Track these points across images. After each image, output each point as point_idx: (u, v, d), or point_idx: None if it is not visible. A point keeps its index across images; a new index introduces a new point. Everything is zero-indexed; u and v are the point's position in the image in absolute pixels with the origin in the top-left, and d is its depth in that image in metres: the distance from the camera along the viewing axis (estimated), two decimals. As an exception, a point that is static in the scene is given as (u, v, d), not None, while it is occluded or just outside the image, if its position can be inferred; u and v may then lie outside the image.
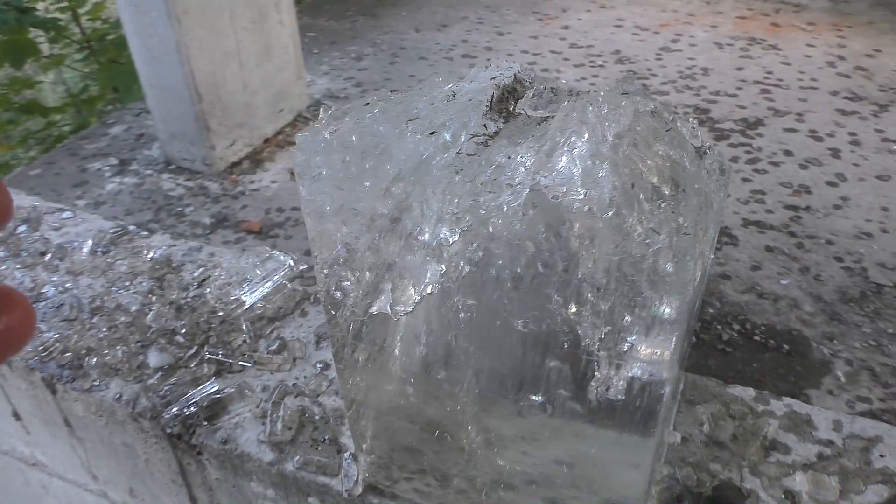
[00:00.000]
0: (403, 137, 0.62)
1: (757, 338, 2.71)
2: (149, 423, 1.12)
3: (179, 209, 3.21)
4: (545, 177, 0.57)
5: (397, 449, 1.00)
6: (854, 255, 2.87)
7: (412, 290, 0.70)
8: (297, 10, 3.55)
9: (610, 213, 0.56)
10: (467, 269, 0.65)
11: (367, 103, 0.67)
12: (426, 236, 0.66)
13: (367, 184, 0.65)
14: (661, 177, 0.63)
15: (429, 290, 0.69)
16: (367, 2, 4.85)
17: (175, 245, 1.41)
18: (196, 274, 1.31)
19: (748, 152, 3.42)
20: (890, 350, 2.50)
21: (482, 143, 0.62)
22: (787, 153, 3.39)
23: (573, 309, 0.64)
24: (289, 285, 1.27)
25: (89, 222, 1.48)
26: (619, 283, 0.59)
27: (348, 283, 0.76)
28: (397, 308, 0.74)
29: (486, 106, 0.64)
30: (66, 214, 1.49)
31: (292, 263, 1.28)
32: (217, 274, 1.25)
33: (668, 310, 0.60)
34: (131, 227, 1.41)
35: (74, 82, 5.61)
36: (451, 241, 0.64)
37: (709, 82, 3.94)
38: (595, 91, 0.66)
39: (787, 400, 1.04)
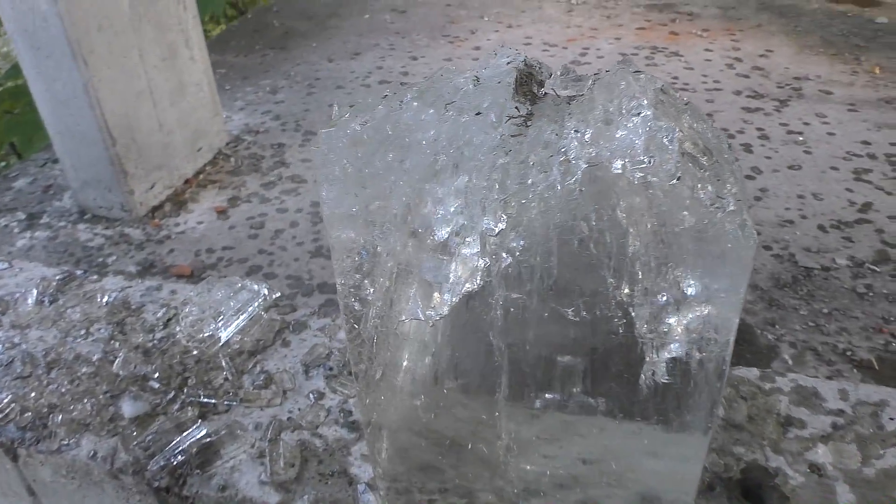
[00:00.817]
0: (445, 122, 0.58)
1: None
2: (131, 479, 1.02)
3: (101, 259, 3.03)
4: (605, 148, 0.54)
5: (415, 469, 0.94)
6: (781, 243, 3.00)
7: (441, 294, 0.65)
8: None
9: (675, 181, 0.54)
10: (509, 260, 0.61)
11: (386, 95, 0.62)
12: (446, 232, 0.62)
13: (395, 179, 0.60)
14: (696, 146, 0.62)
15: (470, 287, 0.65)
16: (275, 35, 4.78)
17: (130, 286, 1.31)
18: (160, 314, 1.21)
19: (669, 154, 3.54)
20: (828, 329, 2.61)
21: (521, 124, 0.59)
22: (705, 152, 3.54)
23: (626, 290, 0.61)
24: (265, 315, 1.19)
25: (29, 271, 1.35)
26: (675, 256, 0.57)
27: (370, 291, 0.71)
28: (429, 313, 0.69)
29: (513, 88, 0.61)
30: (2, 266, 1.36)
31: (266, 292, 1.21)
32: (187, 311, 1.16)
33: (727, 281, 0.58)
34: (78, 272, 1.29)
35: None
36: (496, 230, 0.60)
37: (622, 91, 4.06)
38: (613, 71, 0.64)
39: (792, 375, 1.05)
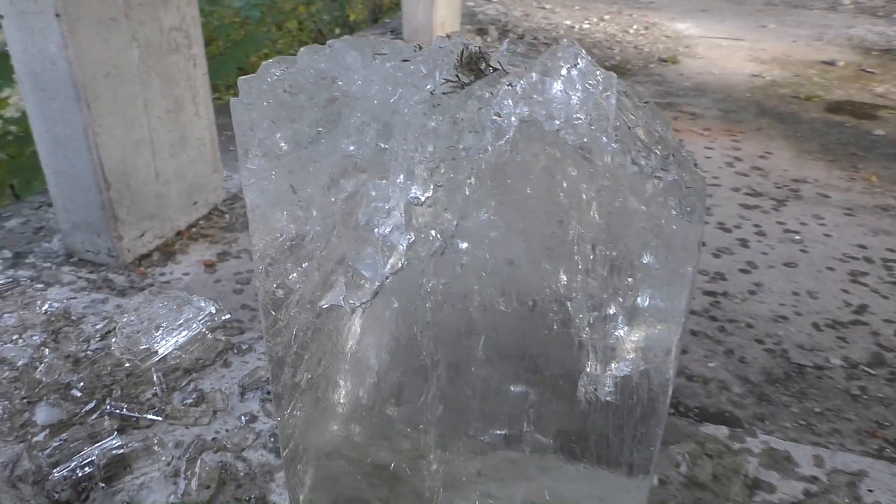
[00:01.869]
0: (369, 69, 0.54)
1: (691, 419, 2.67)
2: (30, 490, 0.92)
3: (77, 301, 2.95)
4: (537, 104, 0.50)
5: (341, 501, 0.84)
6: (774, 338, 2.94)
7: (368, 283, 0.60)
8: (214, 107, 3.52)
9: (615, 145, 0.49)
10: (440, 241, 0.56)
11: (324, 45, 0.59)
12: (386, 219, 0.57)
13: (323, 147, 0.56)
14: (650, 138, 0.57)
15: (398, 266, 0.59)
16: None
17: (76, 297, 1.25)
18: (99, 326, 1.15)
19: (664, 243, 3.53)
20: (820, 429, 2.51)
21: (457, 87, 0.55)
22: (700, 244, 3.52)
23: (564, 280, 0.55)
24: (210, 335, 1.12)
25: (-28, 277, 1.30)
26: (617, 245, 0.51)
27: (294, 276, 0.65)
28: (352, 302, 0.63)
29: (457, 59, 0.58)
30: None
31: (213, 311, 1.14)
32: (125, 320, 1.10)
33: (674, 278, 0.52)
34: (23, 280, 1.24)
35: (-36, 181, 5.30)
36: (422, 199, 0.54)
37: (621, 180, 4.09)
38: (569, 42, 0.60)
39: (764, 437, 0.97)
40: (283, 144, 0.59)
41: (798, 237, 3.64)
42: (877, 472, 0.90)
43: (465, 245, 0.60)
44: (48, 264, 3.25)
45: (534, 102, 0.52)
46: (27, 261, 3.30)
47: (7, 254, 3.34)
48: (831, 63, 6.18)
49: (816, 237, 3.62)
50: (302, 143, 0.58)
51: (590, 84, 0.51)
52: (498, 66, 0.59)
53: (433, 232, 0.57)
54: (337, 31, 6.63)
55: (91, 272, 3.19)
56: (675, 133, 4.73)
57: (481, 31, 6.50)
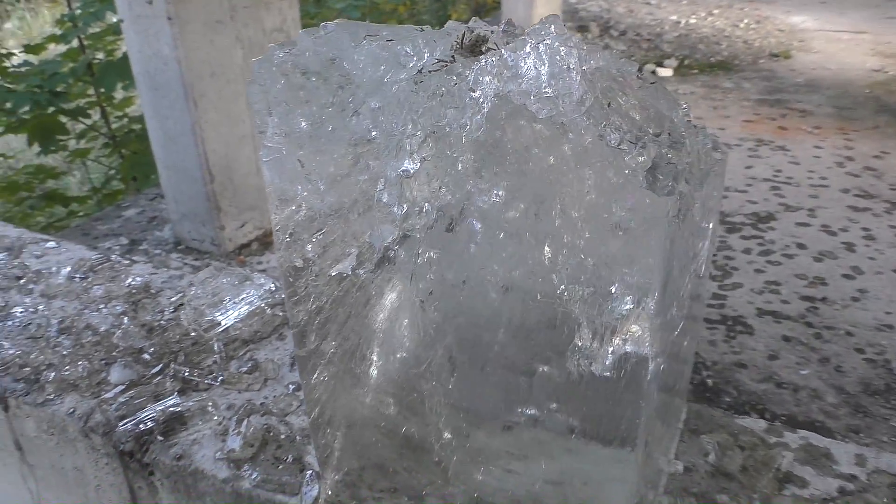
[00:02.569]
0: (360, 50, 0.58)
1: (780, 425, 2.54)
2: (100, 440, 1.03)
3: (181, 285, 3.16)
4: (510, 80, 0.52)
5: (369, 467, 0.89)
6: (876, 347, 2.76)
7: (375, 251, 0.64)
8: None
9: (582, 112, 0.50)
10: (434, 215, 0.59)
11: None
12: (387, 189, 0.61)
13: (331, 127, 0.60)
14: (646, 116, 0.58)
15: (392, 238, 0.63)
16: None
17: (156, 273, 1.37)
18: (174, 299, 1.26)
19: (760, 244, 3.38)
20: (920, 445, 2.35)
21: (445, 65, 0.58)
22: (801, 246, 3.34)
23: (548, 252, 0.57)
24: (268, 310, 1.20)
25: (72, 251, 1.45)
26: (594, 219, 0.53)
27: (310, 247, 0.70)
28: (360, 271, 0.67)
29: (457, 42, 0.61)
30: (50, 244, 1.46)
31: (273, 288, 1.23)
32: (193, 293, 1.20)
33: (644, 254, 0.53)
34: (114, 257, 1.37)
35: (97, 176, 5.76)
36: (411, 171, 0.58)
37: (718, 179, 3.94)
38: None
39: (803, 432, 0.94)
40: (303, 123, 0.64)
41: (912, 243, 3.39)
42: (923, 475, 0.86)
43: (479, 225, 0.63)
44: (158, 251, 3.50)
45: (507, 78, 0.54)
46: (141, 247, 3.56)
47: (124, 241, 3.63)
48: (966, 57, 5.69)
49: (934, 243, 3.35)
50: (316, 121, 0.63)
51: (557, 57, 0.52)
52: (494, 47, 0.61)
53: (426, 205, 0.61)
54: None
55: (196, 259, 3.40)
56: (780, 131, 4.50)
57: (582, 29, 6.42)
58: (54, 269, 1.34)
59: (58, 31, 4.65)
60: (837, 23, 6.79)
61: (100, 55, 4.63)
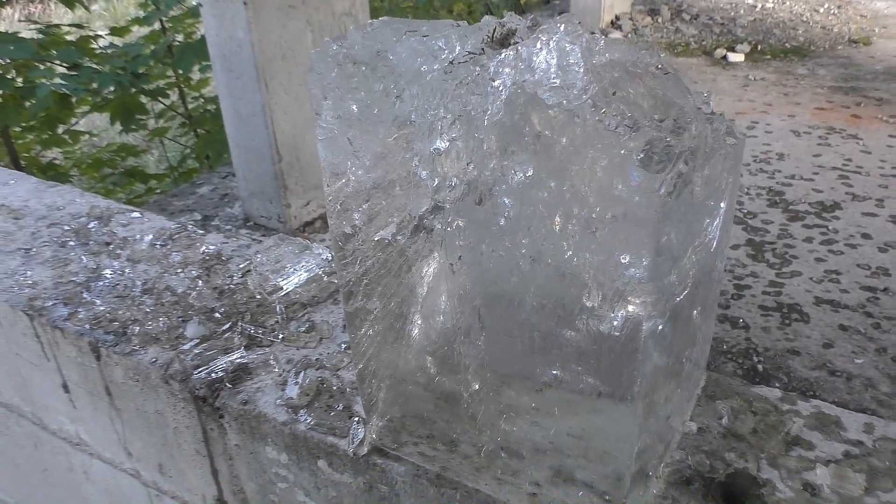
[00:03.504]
0: (401, 44, 0.68)
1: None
2: (178, 386, 1.17)
3: (250, 258, 3.33)
4: (524, 71, 0.61)
5: (409, 416, 1.00)
6: (939, 337, 2.70)
7: (412, 220, 0.73)
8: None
9: (583, 102, 0.58)
10: (462, 188, 0.68)
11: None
12: (422, 165, 0.70)
13: (377, 111, 0.70)
14: (653, 104, 0.65)
15: (426, 208, 0.72)
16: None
17: (227, 243, 1.50)
18: (242, 266, 1.39)
19: (823, 234, 3.33)
20: (977, 438, 2.31)
21: (474, 56, 0.67)
22: (866, 236, 3.28)
23: (559, 221, 0.65)
24: (325, 278, 1.32)
25: (153, 221, 1.60)
26: (597, 194, 0.61)
27: (357, 215, 0.80)
28: (399, 238, 0.77)
29: (488, 36, 0.69)
30: (135, 215, 1.62)
31: (329, 257, 1.34)
32: (258, 259, 1.33)
33: (640, 227, 0.60)
34: (190, 226, 1.51)
35: (173, 155, 6.05)
36: (441, 149, 0.67)
37: (784, 167, 3.88)
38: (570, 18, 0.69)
39: (816, 401, 0.99)
40: (353, 107, 0.74)
41: None
42: (931, 446, 0.90)
43: (507, 200, 0.72)
44: (229, 227, 3.68)
45: (522, 70, 0.62)
46: (213, 223, 3.75)
47: (197, 216, 3.83)
48: None
49: None
50: (364, 105, 0.73)
51: (565, 52, 0.60)
52: (519, 40, 0.70)
53: (454, 179, 0.70)
54: (505, 12, 6.74)
55: (263, 235, 3.57)
56: (853, 119, 4.37)
57: (653, 12, 6.33)
58: (138, 236, 1.49)
59: (141, 14, 4.89)
60: (924, 7, 6.49)
61: (179, 37, 4.85)
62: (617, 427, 0.82)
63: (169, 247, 1.45)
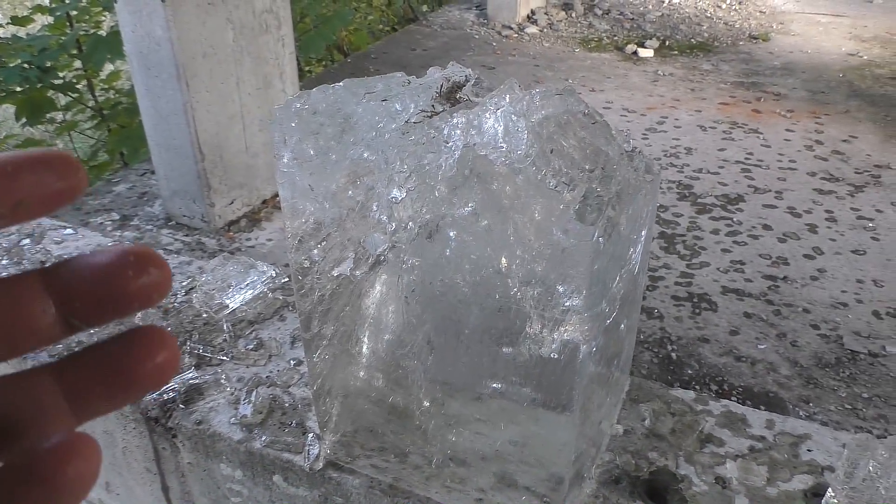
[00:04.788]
0: (360, 104, 0.74)
1: (734, 399, 2.75)
2: (129, 408, 1.20)
3: (176, 259, 3.29)
4: (475, 135, 0.68)
5: (361, 430, 1.07)
6: (830, 324, 2.94)
7: (370, 257, 0.79)
8: (300, 82, 3.75)
9: (526, 164, 0.66)
10: (416, 230, 0.75)
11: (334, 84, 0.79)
12: (381, 210, 0.77)
13: (333, 157, 0.76)
14: (584, 155, 0.73)
15: (384, 248, 0.79)
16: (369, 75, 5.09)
17: (168, 259, 1.52)
18: (185, 283, 1.41)
19: (728, 225, 3.55)
20: (865, 414, 2.55)
21: (428, 116, 0.73)
22: (766, 227, 3.52)
23: (504, 262, 0.73)
24: (270, 294, 1.36)
25: (89, 238, 1.59)
26: (537, 239, 0.69)
27: (316, 252, 0.86)
28: (356, 272, 0.83)
29: (437, 92, 0.76)
30: (68, 231, 1.61)
31: (274, 275, 1.38)
32: (204, 279, 1.35)
33: (576, 266, 0.69)
34: (128, 244, 1.51)
35: (83, 149, 5.82)
36: (399, 199, 0.74)
37: (692, 161, 4.11)
38: (533, 88, 0.77)
39: (725, 401, 1.12)
40: (310, 151, 0.79)
41: (871, 224, 3.57)
42: (819, 436, 1.03)
43: (452, 233, 0.79)
44: (150, 227, 3.60)
45: (472, 134, 0.69)
46: (132, 223, 3.67)
47: (115, 216, 3.72)
48: (938, 41, 5.85)
49: (892, 225, 3.53)
50: (319, 150, 0.78)
51: (510, 121, 0.68)
52: (466, 97, 0.77)
53: (410, 223, 0.76)
54: (424, 6, 6.80)
55: (186, 235, 3.52)
56: (754, 114, 4.65)
57: (567, 7, 6.51)
58: (75, 254, 1.48)
59: (45, 2, 4.68)
60: (818, 5, 6.91)
61: (85, 26, 4.67)
62: (557, 435, 0.91)
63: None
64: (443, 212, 0.73)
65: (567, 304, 0.73)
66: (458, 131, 0.69)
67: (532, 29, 5.96)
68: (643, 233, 0.89)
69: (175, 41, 3.01)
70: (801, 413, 2.54)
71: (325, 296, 0.91)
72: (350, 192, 0.77)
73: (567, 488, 0.95)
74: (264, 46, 3.44)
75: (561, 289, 0.72)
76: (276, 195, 3.70)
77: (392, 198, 0.74)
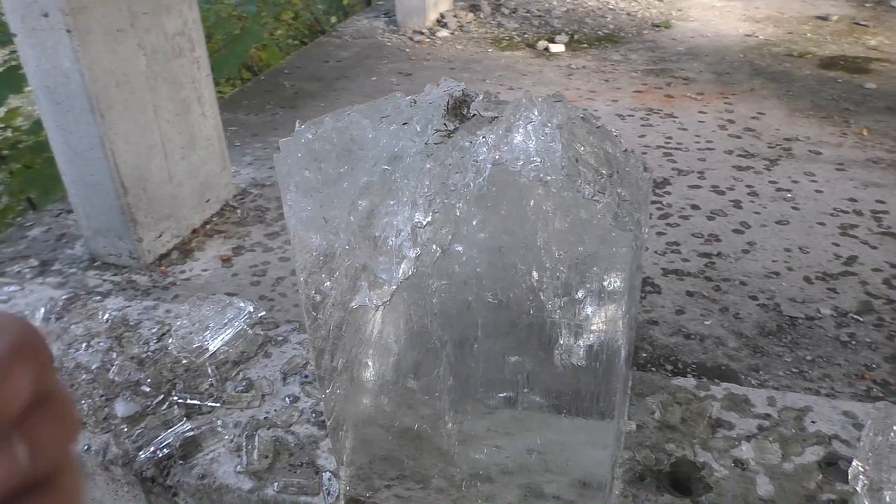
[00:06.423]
0: (378, 130, 0.71)
1: (690, 375, 2.83)
2: (121, 471, 1.12)
3: (110, 302, 3.13)
4: (504, 152, 0.67)
5: (377, 459, 1.03)
6: (767, 293, 3.07)
7: (386, 285, 0.77)
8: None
9: (562, 175, 0.65)
10: (439, 252, 0.73)
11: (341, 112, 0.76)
12: (396, 236, 0.74)
13: (345, 185, 0.73)
14: (598, 160, 0.74)
15: (409, 273, 0.76)
16: (285, 95, 5.00)
17: (130, 306, 1.44)
18: (154, 329, 1.34)
19: (659, 209, 3.66)
20: (811, 375, 2.67)
21: (445, 135, 0.72)
22: (695, 207, 3.65)
23: (535, 276, 0.72)
24: (250, 331, 1.30)
25: (38, 292, 1.49)
26: (572, 249, 0.68)
27: (328, 283, 0.82)
28: (375, 301, 0.81)
29: (444, 109, 0.74)
30: (13, 288, 1.50)
31: (252, 310, 1.33)
32: (179, 323, 1.28)
33: (616, 272, 0.69)
34: (82, 293, 1.42)
35: (-18, 195, 5.45)
36: (423, 223, 0.72)
37: (616, 149, 4.21)
38: (532, 97, 0.77)
39: (725, 384, 1.15)
40: (315, 181, 0.76)
41: (790, 195, 3.74)
42: (819, 406, 1.07)
43: (459, 248, 0.77)
44: (73, 270, 3.40)
45: (502, 150, 0.68)
46: (53, 268, 3.46)
47: (34, 262, 3.50)
48: (825, 18, 6.22)
49: (808, 194, 3.71)
50: (328, 180, 0.75)
51: (542, 134, 0.67)
52: (476, 112, 0.76)
53: (434, 246, 0.74)
54: (333, 18, 6.72)
55: (115, 274, 3.35)
56: (667, 99, 4.80)
57: (474, 7, 6.57)
58: (27, 312, 1.38)
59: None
60: (710, -10, 7.21)
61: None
62: (595, 441, 0.91)
63: (66, 319, 1.36)
64: (470, 231, 0.71)
65: (606, 310, 0.73)
66: (485, 149, 0.68)
67: (443, 32, 5.99)
68: (645, 229, 0.90)
69: (85, 72, 2.87)
70: (752, 381, 2.65)
71: (339, 328, 0.87)
72: (364, 221, 0.74)
73: (608, 493, 0.95)
74: (179, 70, 3.31)
75: (600, 295, 0.72)
76: (206, 223, 3.58)
77: (416, 222, 0.72)
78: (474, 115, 0.75)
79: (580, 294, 0.73)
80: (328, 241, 0.79)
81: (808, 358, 2.82)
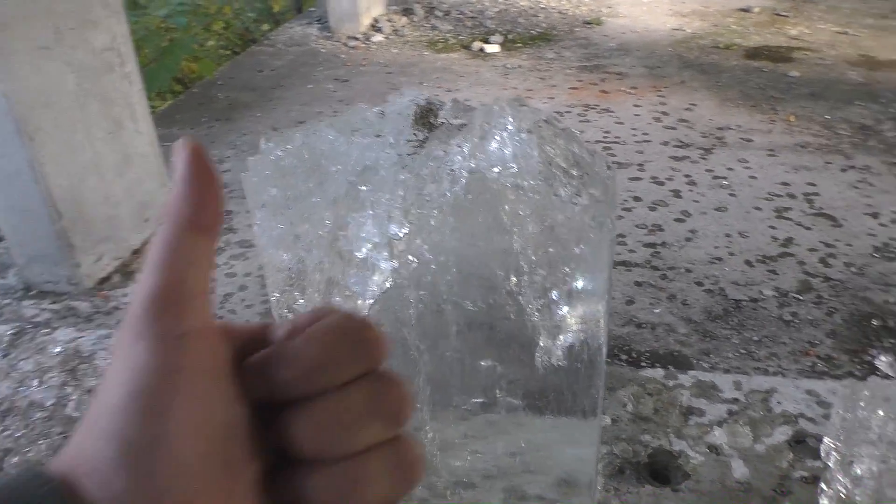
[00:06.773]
0: (350, 144, 0.70)
1: (644, 363, 2.87)
2: None
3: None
4: (481, 160, 0.66)
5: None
6: (711, 279, 3.15)
7: (360, 299, 0.76)
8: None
9: (540, 180, 0.66)
10: (416, 262, 0.73)
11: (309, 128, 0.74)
12: (366, 250, 0.74)
13: (316, 199, 0.71)
14: (568, 162, 0.74)
15: (386, 286, 0.75)
16: (220, 107, 4.89)
17: (82, 336, 1.38)
18: (109, 360, 1.28)
19: (603, 202, 3.71)
20: (759, 355, 2.75)
21: (417, 146, 0.71)
22: (637, 199, 3.72)
23: (514, 280, 0.73)
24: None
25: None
26: (551, 251, 0.69)
27: (301, 301, 0.81)
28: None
29: (412, 119, 0.73)
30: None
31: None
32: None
33: (595, 272, 0.70)
34: (28, 326, 1.36)
35: None
36: (400, 234, 0.71)
37: (557, 146, 4.26)
38: (498, 102, 0.77)
39: (692, 372, 1.17)
40: (285, 198, 0.74)
41: (726, 182, 3.84)
42: (784, 387, 1.11)
43: (436, 258, 0.77)
44: (8, 300, 3.24)
45: (478, 158, 0.68)
46: (-16, 300, 3.29)
47: (-39, 296, 3.33)
48: (747, 10, 6.44)
49: (743, 180, 3.82)
50: (298, 195, 0.73)
51: (517, 140, 0.67)
52: (444, 120, 0.75)
53: (410, 257, 0.74)
54: (264, 26, 6.62)
55: (53, 302, 3.20)
56: (603, 95, 4.89)
57: (407, 11, 6.56)
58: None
59: None
60: (636, -14, 7.39)
61: None
62: (580, 440, 0.91)
63: (13, 355, 1.29)
64: (447, 240, 0.71)
65: (587, 309, 0.74)
66: (460, 158, 0.68)
67: (378, 37, 5.96)
68: (613, 211, 0.92)
69: (9, 94, 2.74)
70: (704, 365, 2.71)
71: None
72: (336, 235, 0.73)
73: (594, 490, 0.95)
74: (110, 87, 3.20)
75: (580, 296, 0.73)
76: (146, 243, 3.46)
77: (392, 234, 0.71)
78: (443, 122, 0.75)
79: (559, 295, 0.74)
80: (299, 257, 0.77)
81: (755, 339, 2.90)
